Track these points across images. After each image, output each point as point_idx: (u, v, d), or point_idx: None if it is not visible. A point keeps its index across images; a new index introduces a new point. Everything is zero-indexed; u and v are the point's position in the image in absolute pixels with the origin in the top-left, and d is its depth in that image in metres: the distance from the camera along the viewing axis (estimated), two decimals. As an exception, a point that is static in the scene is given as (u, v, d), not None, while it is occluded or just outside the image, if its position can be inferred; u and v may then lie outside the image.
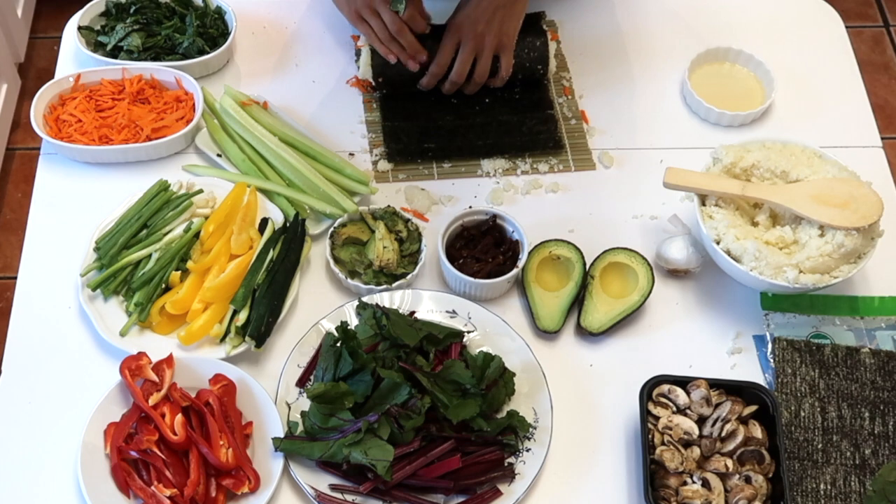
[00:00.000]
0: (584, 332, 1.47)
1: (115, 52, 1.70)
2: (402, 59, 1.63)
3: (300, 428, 1.34)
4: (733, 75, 1.76)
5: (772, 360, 1.44)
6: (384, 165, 1.63)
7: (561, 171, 1.64)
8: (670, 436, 1.32)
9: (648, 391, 1.36)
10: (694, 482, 1.30)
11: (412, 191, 1.60)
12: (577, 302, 1.49)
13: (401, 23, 1.61)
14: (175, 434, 1.31)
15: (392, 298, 1.46)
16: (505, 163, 1.64)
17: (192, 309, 1.43)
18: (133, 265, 1.46)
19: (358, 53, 1.69)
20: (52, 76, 1.67)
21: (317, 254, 1.53)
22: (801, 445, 1.38)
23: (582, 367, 1.45)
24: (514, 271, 1.46)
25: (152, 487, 1.28)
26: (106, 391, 1.35)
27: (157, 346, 1.40)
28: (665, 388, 1.36)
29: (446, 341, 1.40)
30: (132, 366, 1.35)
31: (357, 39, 1.71)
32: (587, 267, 1.50)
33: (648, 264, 1.50)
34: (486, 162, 1.64)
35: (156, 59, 1.69)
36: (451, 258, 1.48)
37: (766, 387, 1.41)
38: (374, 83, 1.68)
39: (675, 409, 1.35)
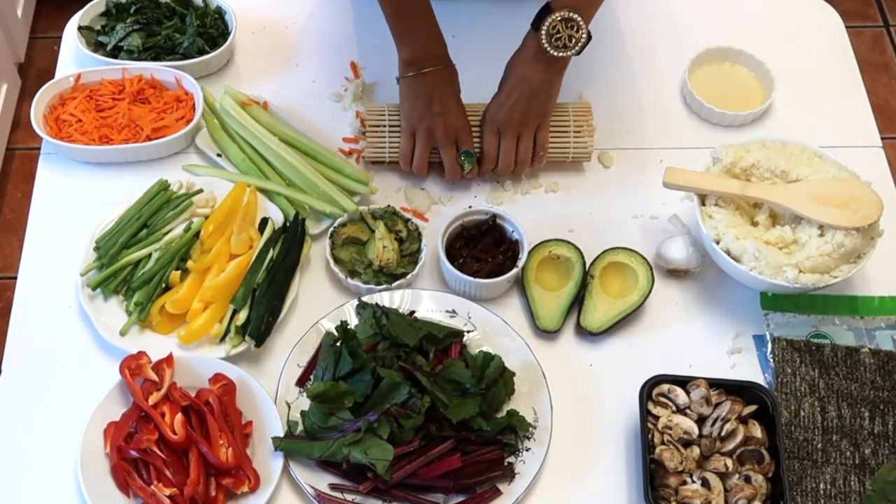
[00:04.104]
0: (583, 332, 1.47)
1: (115, 52, 1.70)
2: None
3: (300, 427, 1.34)
4: (733, 75, 1.76)
5: (771, 360, 1.44)
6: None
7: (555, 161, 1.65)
8: (670, 435, 1.32)
9: (648, 391, 1.36)
10: (694, 482, 1.30)
11: (412, 191, 1.60)
12: (577, 302, 1.49)
13: (459, 172, 1.57)
14: (175, 433, 1.31)
15: (392, 298, 1.46)
16: None
17: (192, 308, 1.43)
18: (133, 265, 1.46)
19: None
20: (52, 76, 1.67)
21: (317, 253, 1.53)
22: (801, 445, 1.38)
23: (582, 366, 1.45)
24: (514, 271, 1.47)
25: (152, 487, 1.28)
26: (106, 391, 1.35)
27: (156, 345, 1.40)
28: (665, 387, 1.36)
29: (446, 341, 1.40)
30: (132, 365, 1.35)
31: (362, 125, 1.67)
32: (587, 267, 1.50)
33: (648, 264, 1.50)
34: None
35: (156, 59, 1.69)
36: (451, 258, 1.49)
37: (766, 386, 1.41)
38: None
39: (674, 408, 1.35)
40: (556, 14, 1.46)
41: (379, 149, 1.60)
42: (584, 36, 1.48)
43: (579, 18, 1.46)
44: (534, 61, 1.52)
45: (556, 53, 1.49)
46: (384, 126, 1.60)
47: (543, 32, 1.47)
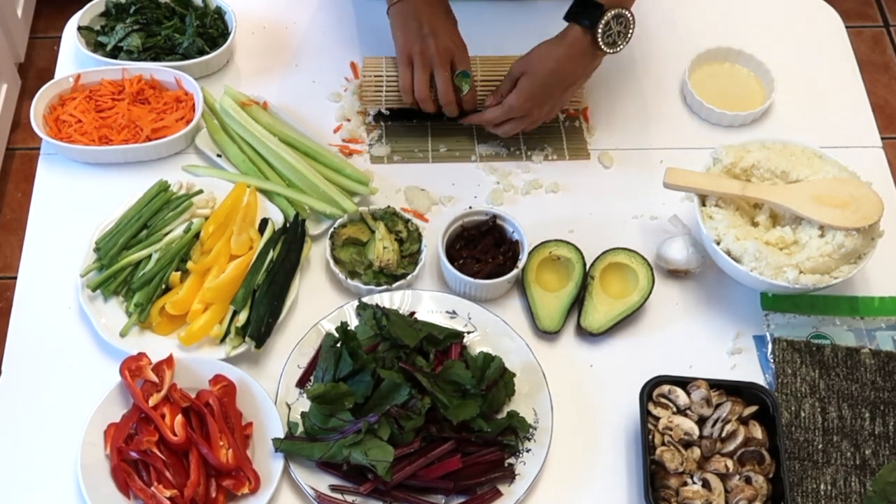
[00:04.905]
0: (584, 333, 1.47)
1: (115, 53, 1.70)
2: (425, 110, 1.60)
3: (300, 428, 1.34)
4: (733, 75, 1.76)
5: (772, 361, 1.44)
6: (378, 150, 1.64)
7: (555, 160, 1.65)
8: (670, 436, 1.32)
9: (648, 391, 1.36)
10: (694, 483, 1.30)
11: (412, 191, 1.60)
12: (577, 302, 1.49)
13: (452, 94, 1.57)
14: (175, 435, 1.31)
15: (392, 299, 1.46)
16: (500, 147, 1.65)
17: (193, 309, 1.43)
18: (133, 265, 1.46)
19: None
20: (52, 76, 1.67)
21: (317, 254, 1.53)
22: (802, 446, 1.38)
23: (582, 367, 1.45)
24: (514, 272, 1.46)
25: (152, 488, 1.28)
26: (106, 391, 1.35)
27: (157, 346, 1.40)
28: (665, 388, 1.36)
29: (446, 342, 1.39)
30: (132, 366, 1.35)
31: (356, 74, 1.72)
32: (587, 267, 1.50)
33: (648, 264, 1.50)
34: (482, 147, 1.65)
35: (156, 59, 1.69)
36: (451, 258, 1.48)
37: (767, 387, 1.40)
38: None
39: (675, 409, 1.35)
40: (610, 12, 1.47)
41: (375, 95, 1.62)
42: (632, 30, 1.50)
43: (629, 14, 1.49)
44: (580, 58, 1.52)
45: (609, 51, 1.51)
46: (381, 74, 1.62)
47: (600, 31, 1.48)
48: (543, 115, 1.59)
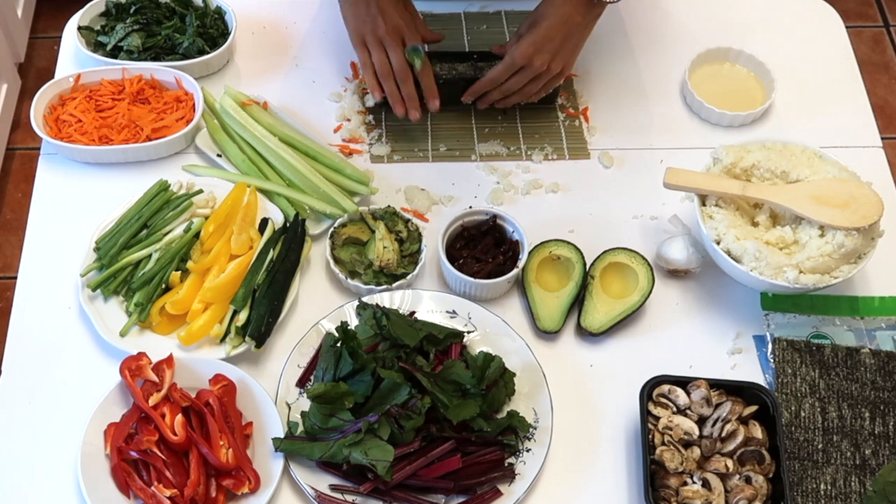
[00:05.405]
0: (584, 333, 1.47)
1: (115, 52, 1.70)
2: (390, 100, 1.58)
3: (300, 428, 1.34)
4: (733, 75, 1.76)
5: (772, 361, 1.44)
6: (378, 150, 1.64)
7: (555, 160, 1.65)
8: (670, 436, 1.32)
9: (648, 391, 1.36)
10: (694, 482, 1.30)
11: (412, 191, 1.60)
12: (577, 302, 1.49)
13: (409, 73, 1.56)
14: (175, 434, 1.31)
15: (392, 298, 1.46)
16: (500, 147, 1.65)
17: (193, 309, 1.43)
18: (133, 265, 1.46)
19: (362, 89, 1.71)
20: (52, 76, 1.67)
21: (317, 254, 1.53)
22: (802, 446, 1.38)
23: (582, 367, 1.45)
24: (514, 271, 1.46)
25: (152, 488, 1.28)
26: (106, 391, 1.35)
27: (157, 346, 1.40)
28: (665, 388, 1.36)
29: (446, 341, 1.39)
30: (132, 366, 1.35)
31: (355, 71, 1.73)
32: (587, 267, 1.50)
33: (648, 264, 1.50)
34: (482, 146, 1.65)
35: (156, 59, 1.69)
36: (451, 258, 1.48)
37: (767, 387, 1.41)
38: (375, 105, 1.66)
39: (675, 409, 1.35)
40: None
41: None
42: None
43: None
44: (575, 4, 1.53)
45: (610, 0, 1.51)
46: None
47: None
48: (547, 66, 1.56)
